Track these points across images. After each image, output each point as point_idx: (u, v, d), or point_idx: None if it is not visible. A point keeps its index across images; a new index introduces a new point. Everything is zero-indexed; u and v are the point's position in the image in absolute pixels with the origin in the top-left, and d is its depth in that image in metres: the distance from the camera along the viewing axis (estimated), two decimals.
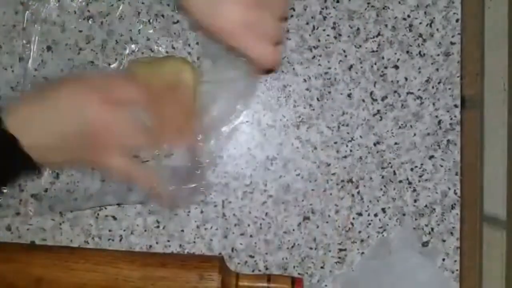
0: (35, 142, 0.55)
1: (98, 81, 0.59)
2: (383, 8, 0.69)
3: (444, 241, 0.70)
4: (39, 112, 0.56)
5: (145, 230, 0.68)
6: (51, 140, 0.56)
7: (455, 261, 0.69)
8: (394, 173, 0.69)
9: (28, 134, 0.55)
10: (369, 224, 0.69)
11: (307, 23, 0.69)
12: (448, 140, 0.70)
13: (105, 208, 0.68)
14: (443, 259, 0.69)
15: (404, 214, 0.70)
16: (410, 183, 0.70)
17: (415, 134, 0.70)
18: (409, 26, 0.69)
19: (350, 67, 0.69)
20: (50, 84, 0.58)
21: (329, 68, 0.69)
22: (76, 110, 0.56)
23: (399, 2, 0.69)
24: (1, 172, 0.57)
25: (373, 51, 0.69)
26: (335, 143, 0.69)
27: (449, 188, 0.70)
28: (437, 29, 0.70)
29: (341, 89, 0.69)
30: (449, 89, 0.70)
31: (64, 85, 0.58)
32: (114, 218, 0.68)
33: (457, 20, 0.70)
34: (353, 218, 0.69)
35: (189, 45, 0.69)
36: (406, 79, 0.69)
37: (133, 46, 0.68)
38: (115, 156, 0.59)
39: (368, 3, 0.69)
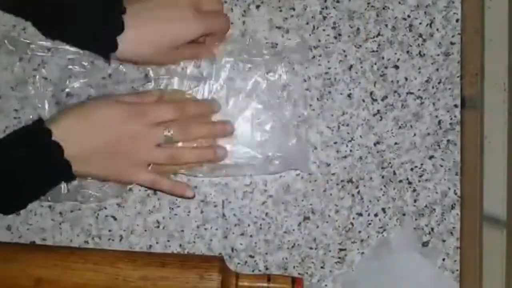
0: (75, 153, 0.60)
1: (134, 104, 0.64)
2: (383, 8, 0.69)
3: (444, 241, 0.70)
4: (79, 126, 0.62)
5: (145, 230, 0.68)
6: (88, 152, 0.61)
7: (455, 261, 0.69)
8: (394, 173, 0.69)
9: (70, 145, 0.60)
10: (369, 224, 0.69)
11: (307, 23, 0.69)
12: (448, 140, 0.70)
13: (105, 208, 0.68)
14: (443, 259, 0.69)
15: (404, 214, 0.69)
16: (410, 183, 0.70)
17: (415, 134, 0.70)
18: (409, 26, 0.69)
19: (350, 67, 0.69)
20: (89, 103, 0.65)
21: (329, 68, 0.69)
22: (108, 126, 0.62)
23: (399, 2, 0.69)
24: (43, 178, 0.61)
25: (373, 51, 0.69)
26: (335, 143, 0.69)
27: (449, 188, 0.70)
28: (437, 29, 0.70)
29: (341, 89, 0.69)
30: (449, 89, 0.70)
31: (102, 104, 0.63)
32: (114, 218, 0.68)
33: (457, 20, 0.70)
34: (353, 218, 0.69)
35: None
36: (406, 79, 0.69)
37: None
38: (142, 172, 0.64)
39: (368, 3, 0.69)
